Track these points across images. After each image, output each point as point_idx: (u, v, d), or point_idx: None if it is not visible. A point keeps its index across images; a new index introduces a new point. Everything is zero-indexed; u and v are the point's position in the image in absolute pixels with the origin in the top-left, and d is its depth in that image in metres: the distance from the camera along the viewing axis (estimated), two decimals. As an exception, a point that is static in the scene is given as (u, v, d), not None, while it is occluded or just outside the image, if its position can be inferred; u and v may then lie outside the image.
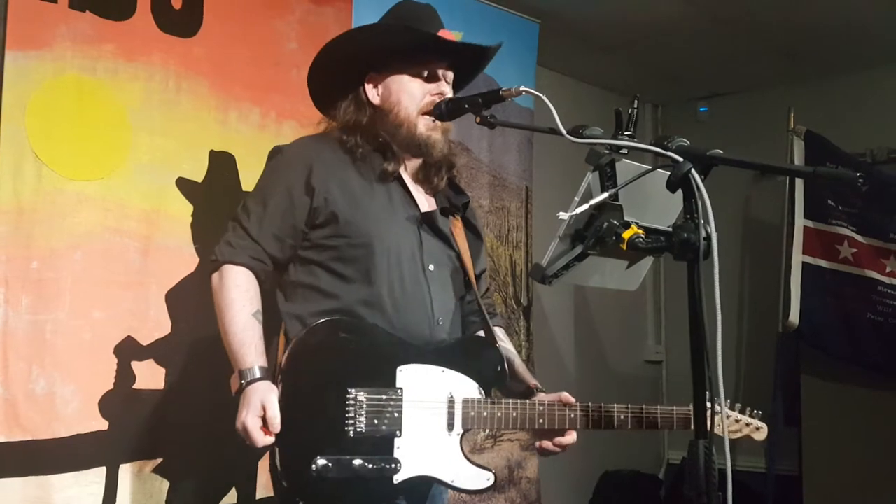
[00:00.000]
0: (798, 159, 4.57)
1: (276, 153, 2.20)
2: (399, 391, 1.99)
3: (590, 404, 2.14)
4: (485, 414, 2.06)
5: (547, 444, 2.14)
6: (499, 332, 2.36)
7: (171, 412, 2.88)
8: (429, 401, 2.02)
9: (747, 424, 2.28)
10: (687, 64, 5.19)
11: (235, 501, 3.04)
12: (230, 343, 2.01)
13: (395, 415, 1.97)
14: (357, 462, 1.91)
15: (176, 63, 2.96)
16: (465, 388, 2.07)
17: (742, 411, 2.29)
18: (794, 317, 4.43)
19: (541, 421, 2.10)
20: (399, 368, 2.01)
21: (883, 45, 4.76)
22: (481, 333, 2.33)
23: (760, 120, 5.26)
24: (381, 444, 1.95)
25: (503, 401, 2.09)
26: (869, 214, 4.57)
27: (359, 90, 2.21)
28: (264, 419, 1.89)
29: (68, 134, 2.72)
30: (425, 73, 2.18)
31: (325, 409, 1.93)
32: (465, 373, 2.08)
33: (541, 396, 2.19)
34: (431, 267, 2.16)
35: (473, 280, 2.25)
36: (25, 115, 2.63)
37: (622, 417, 2.17)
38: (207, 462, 2.95)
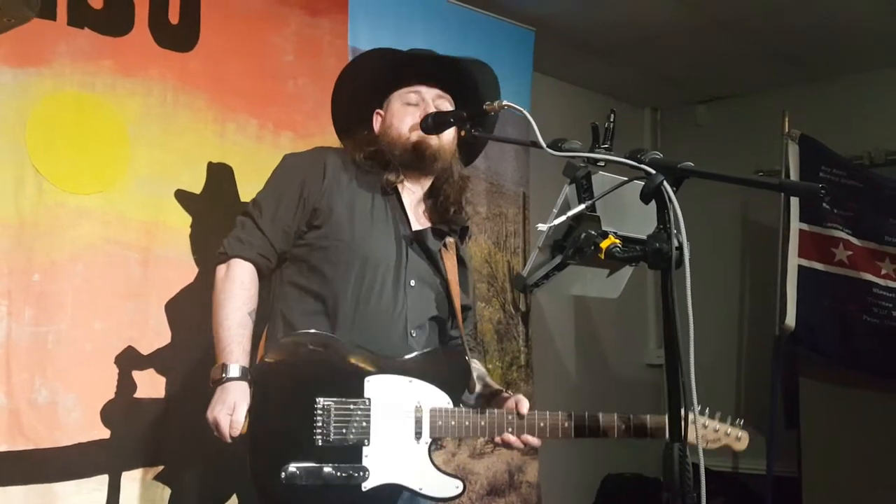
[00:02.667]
0: (793, 163, 4.59)
1: (289, 156, 2.35)
2: (367, 401, 2.06)
3: (559, 413, 2.20)
4: (453, 423, 2.12)
5: (509, 437, 2.17)
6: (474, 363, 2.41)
7: (171, 420, 2.92)
8: (397, 410, 2.08)
9: (727, 433, 2.29)
10: (685, 68, 5.22)
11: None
12: (221, 335, 2.10)
13: (364, 424, 2.04)
14: (326, 470, 1.98)
15: (173, 77, 3.02)
16: (434, 397, 2.13)
17: (724, 420, 2.30)
18: (791, 320, 4.44)
19: (509, 429, 2.16)
20: (367, 379, 2.08)
21: (880, 48, 4.79)
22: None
23: (758, 123, 5.27)
24: (350, 452, 2.02)
25: (471, 410, 2.15)
26: (864, 217, 4.58)
27: (371, 125, 2.37)
28: (232, 417, 2.00)
29: (68, 148, 2.77)
30: (412, 98, 2.30)
31: (295, 418, 2.00)
32: (433, 383, 2.14)
33: (504, 397, 2.27)
34: (412, 282, 2.24)
35: (458, 311, 2.31)
36: (26, 131, 2.68)
37: (593, 425, 2.26)
38: (208, 469, 2.99)
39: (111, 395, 2.81)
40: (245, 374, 2.07)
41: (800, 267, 4.51)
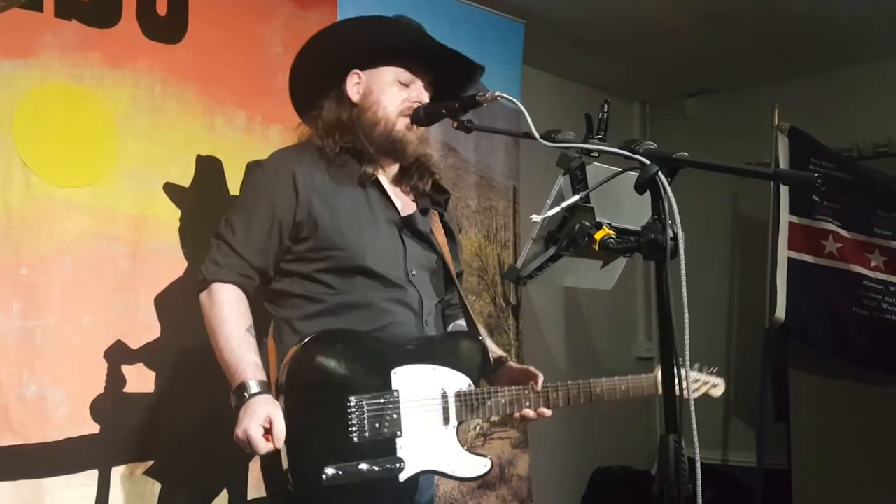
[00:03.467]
0: (783, 156, 4.60)
1: (255, 167, 2.21)
2: (395, 393, 2.05)
3: (569, 383, 2.29)
4: (476, 404, 2.15)
5: (528, 412, 2.24)
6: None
7: (161, 415, 2.90)
8: (424, 399, 2.10)
9: (704, 382, 2.35)
10: (674, 61, 5.23)
11: (227, 502, 3.07)
12: (227, 360, 2.04)
13: (395, 416, 2.03)
14: (364, 466, 1.97)
15: (162, 69, 2.99)
16: (456, 381, 2.16)
17: (700, 370, 2.37)
18: (781, 312, 4.46)
19: (527, 404, 2.22)
20: (393, 371, 2.07)
21: (869, 41, 4.80)
22: (461, 322, 2.42)
23: (748, 116, 5.29)
24: (384, 446, 2.02)
25: (491, 389, 2.20)
26: (853, 209, 4.60)
27: (342, 86, 2.25)
28: (269, 430, 1.92)
29: (56, 141, 2.74)
30: (406, 77, 2.22)
31: (329, 418, 1.98)
32: (453, 367, 2.16)
33: (511, 366, 2.36)
34: (414, 271, 2.22)
35: (455, 276, 2.31)
36: (13, 124, 2.65)
37: (598, 391, 2.33)
38: (199, 463, 2.98)
39: (100, 390, 2.79)
40: (266, 388, 2.01)
41: (790, 259, 4.53)
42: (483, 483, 4.05)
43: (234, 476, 3.07)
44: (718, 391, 2.38)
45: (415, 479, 2.09)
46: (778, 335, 4.61)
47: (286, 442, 1.92)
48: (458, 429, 2.14)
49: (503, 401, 2.20)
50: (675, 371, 1.49)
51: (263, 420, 1.93)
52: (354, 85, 2.24)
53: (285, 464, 1.93)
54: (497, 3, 4.22)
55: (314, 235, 2.12)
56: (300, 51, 2.29)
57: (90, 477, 2.75)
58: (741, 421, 5.39)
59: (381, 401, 2.02)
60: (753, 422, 5.01)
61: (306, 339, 2.03)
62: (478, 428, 4.11)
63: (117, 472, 2.81)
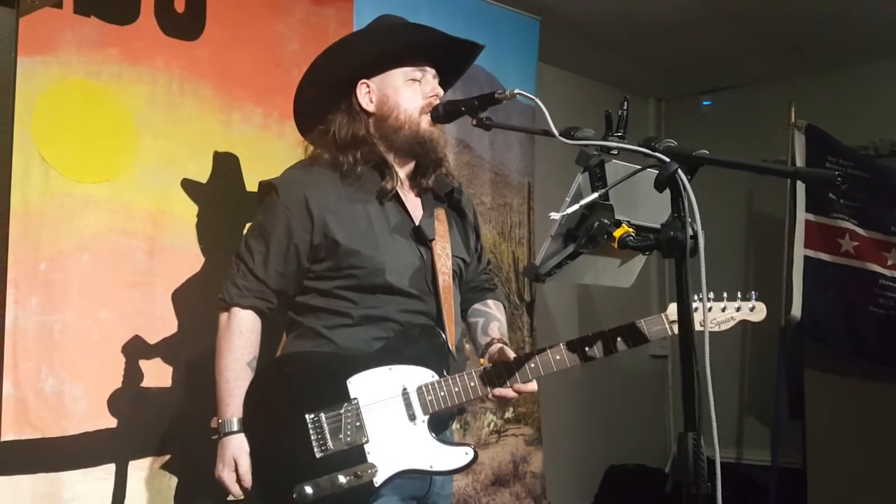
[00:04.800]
0: (799, 154, 4.59)
1: (269, 190, 2.20)
2: (355, 401, 2.07)
3: (547, 347, 2.12)
4: (442, 393, 2.09)
5: (502, 391, 2.10)
6: (490, 303, 2.45)
7: (178, 409, 2.92)
8: (385, 400, 2.08)
9: (738, 309, 2.17)
10: (689, 58, 5.21)
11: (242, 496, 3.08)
12: (220, 387, 2.16)
13: (357, 424, 2.05)
14: (336, 478, 2.01)
15: (179, 66, 3.00)
16: (417, 376, 2.11)
17: (732, 299, 2.18)
18: (797, 310, 4.45)
19: (500, 382, 2.09)
20: (349, 381, 2.09)
21: (886, 38, 4.77)
22: (479, 307, 2.43)
23: (763, 114, 5.27)
24: (354, 454, 2.04)
25: (456, 375, 2.11)
26: (870, 207, 4.59)
27: (351, 100, 2.22)
28: (237, 472, 2.07)
29: (74, 137, 2.76)
30: (417, 75, 2.21)
31: (291, 440, 2.04)
32: (412, 363, 2.12)
33: (492, 350, 2.24)
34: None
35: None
36: (32, 120, 2.67)
37: (586, 350, 2.14)
38: (215, 458, 2.98)
39: (118, 385, 2.81)
40: (241, 427, 2.12)
41: (806, 257, 4.51)
42: (497, 480, 4.05)
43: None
44: (759, 315, 2.18)
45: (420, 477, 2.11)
46: (793, 333, 4.60)
47: (254, 471, 2.06)
48: (429, 424, 2.09)
49: (472, 384, 2.09)
50: (694, 373, 1.49)
51: (231, 464, 2.08)
52: (365, 94, 2.21)
53: (257, 492, 2.07)
54: (513, -1, 4.22)
55: (333, 255, 2.13)
56: (307, 71, 2.27)
57: (107, 471, 2.77)
58: (756, 419, 5.38)
59: (340, 411, 2.05)
60: (768, 420, 5.00)
61: (258, 372, 2.14)
62: (491, 425, 4.11)
63: (134, 466, 2.83)
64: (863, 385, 4.56)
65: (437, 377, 2.11)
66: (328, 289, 2.16)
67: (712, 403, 1.46)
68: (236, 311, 2.17)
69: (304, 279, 2.19)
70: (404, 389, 2.09)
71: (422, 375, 2.11)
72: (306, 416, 2.04)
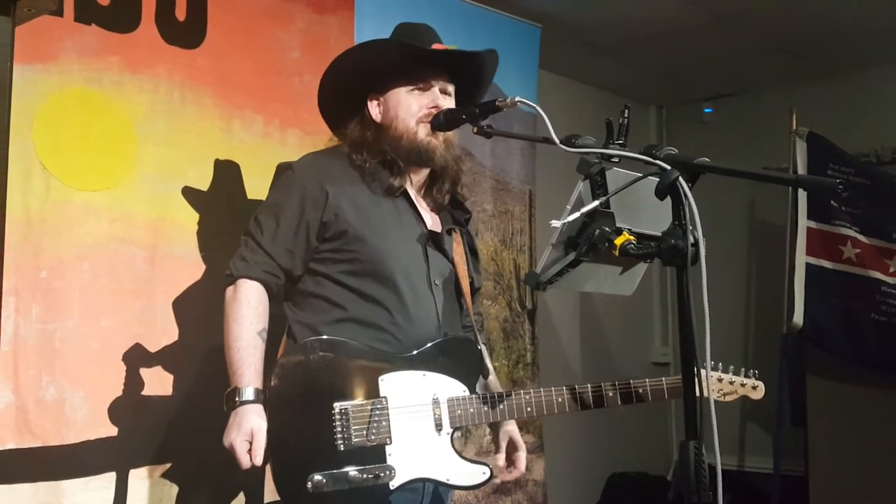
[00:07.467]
0: (800, 161, 4.59)
1: (285, 168, 2.27)
2: (384, 400, 2.05)
3: (576, 386, 2.19)
4: (471, 410, 2.11)
5: (504, 474, 2.30)
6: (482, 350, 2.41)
7: (179, 417, 2.91)
8: (414, 405, 2.07)
9: (742, 385, 2.31)
10: (691, 65, 5.21)
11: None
12: (231, 357, 2.09)
13: (383, 423, 2.03)
14: (352, 473, 1.97)
15: (180, 74, 3.00)
16: (449, 388, 2.12)
17: (737, 373, 2.33)
18: (798, 318, 4.44)
19: (528, 409, 2.16)
20: (381, 378, 2.07)
21: (887, 44, 4.77)
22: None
23: (765, 120, 5.27)
24: (374, 453, 2.02)
25: (488, 394, 2.15)
26: (872, 215, 4.58)
27: (364, 110, 2.30)
28: (251, 445, 1.99)
29: (75, 145, 2.76)
30: (421, 86, 2.25)
31: (314, 426, 2.00)
32: (447, 373, 2.13)
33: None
34: (437, 281, 2.24)
35: (468, 297, 2.32)
36: (33, 128, 2.67)
37: (610, 395, 2.21)
38: (216, 466, 2.97)
39: (119, 393, 2.80)
40: (259, 396, 2.05)
41: (807, 265, 4.51)
42: (498, 488, 4.04)
43: (251, 479, 3.08)
44: (758, 394, 2.34)
45: (422, 485, 2.10)
46: (795, 341, 4.59)
47: (271, 449, 1.98)
48: (452, 436, 2.11)
49: (501, 406, 2.14)
50: (696, 374, 1.48)
51: (247, 434, 1.99)
52: (375, 107, 2.30)
53: (273, 472, 1.99)
54: (513, 7, 4.22)
55: (341, 236, 2.15)
56: (323, 77, 2.34)
57: (108, 479, 2.76)
58: (758, 426, 5.36)
59: (368, 408, 2.02)
60: (770, 427, 4.99)
61: (293, 347, 2.08)
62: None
63: (135, 475, 2.82)
64: (865, 392, 4.55)
65: (468, 392, 2.13)
66: (330, 273, 2.16)
67: (713, 411, 1.46)
68: (243, 281, 2.14)
69: (311, 261, 2.19)
70: (435, 398, 2.10)
71: (454, 387, 2.13)
72: (336, 405, 2.00)
